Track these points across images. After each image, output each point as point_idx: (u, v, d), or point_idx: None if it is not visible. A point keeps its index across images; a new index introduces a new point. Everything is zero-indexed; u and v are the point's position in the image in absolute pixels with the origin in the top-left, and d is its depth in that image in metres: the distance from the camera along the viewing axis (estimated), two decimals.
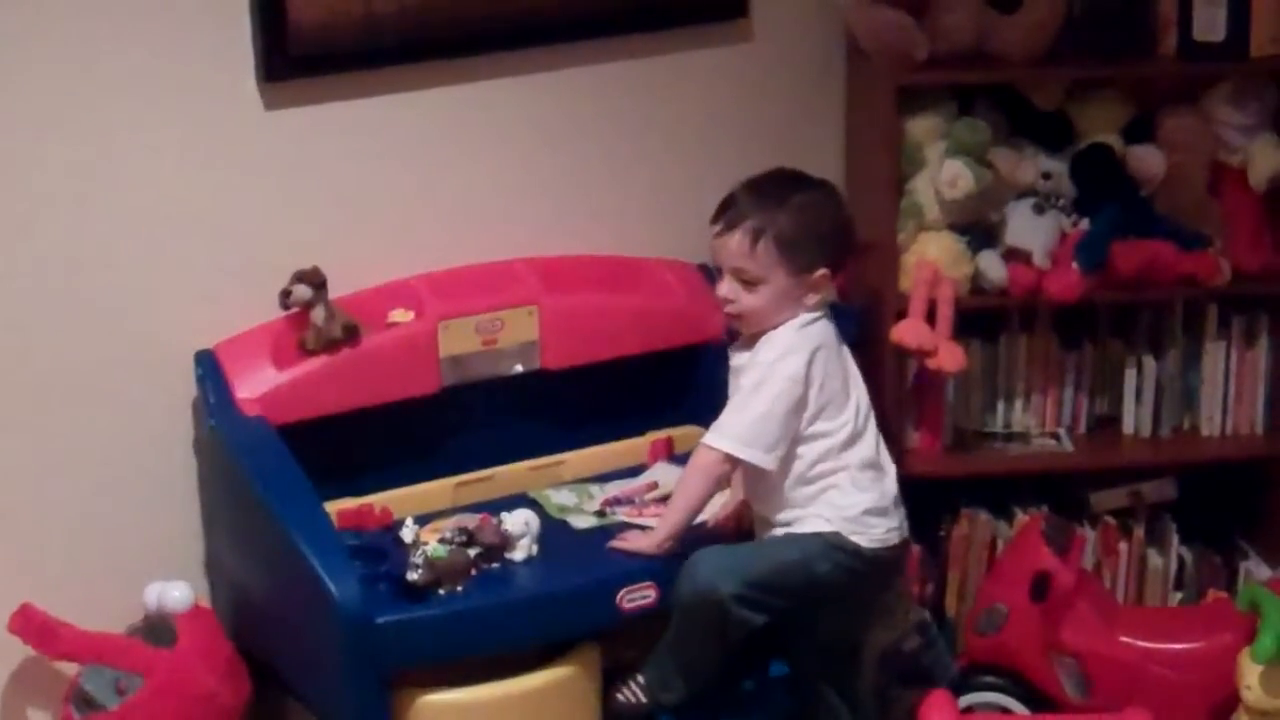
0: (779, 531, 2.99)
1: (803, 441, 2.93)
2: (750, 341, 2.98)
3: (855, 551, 2.94)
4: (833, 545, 2.93)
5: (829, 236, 2.96)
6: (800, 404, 2.91)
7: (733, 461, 2.92)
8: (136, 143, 3.05)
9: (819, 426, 2.94)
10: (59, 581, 3.08)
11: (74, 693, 3.00)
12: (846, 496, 2.95)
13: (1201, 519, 3.72)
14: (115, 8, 2.98)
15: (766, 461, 2.90)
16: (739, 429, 2.91)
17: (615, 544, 3.03)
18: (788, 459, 2.93)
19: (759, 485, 2.99)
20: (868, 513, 2.95)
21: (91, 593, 3.10)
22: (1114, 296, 3.56)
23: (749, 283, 2.93)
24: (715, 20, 3.54)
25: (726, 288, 2.96)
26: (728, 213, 2.96)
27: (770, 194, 2.95)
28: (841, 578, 2.95)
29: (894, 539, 3.00)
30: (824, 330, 2.97)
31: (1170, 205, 3.59)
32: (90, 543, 3.15)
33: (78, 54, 2.97)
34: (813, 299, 2.95)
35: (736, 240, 2.93)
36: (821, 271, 2.94)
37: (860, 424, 2.98)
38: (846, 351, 3.03)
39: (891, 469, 3.04)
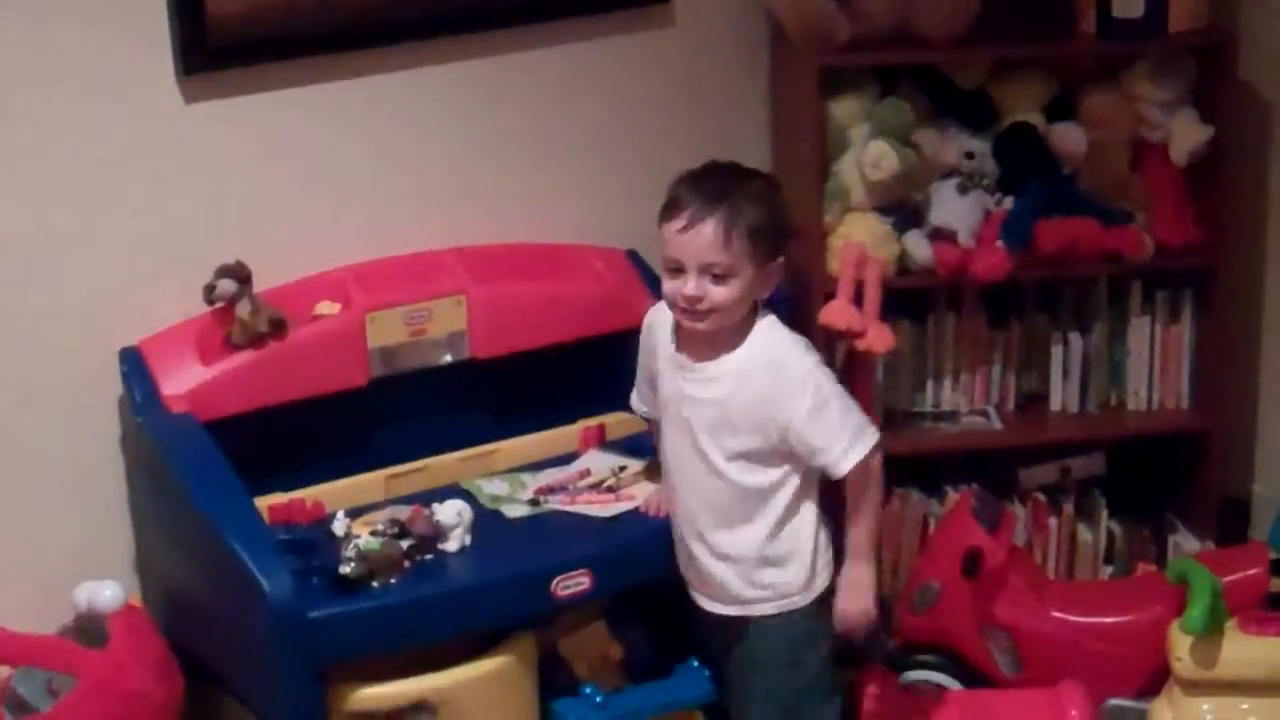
0: (754, 594, 2.89)
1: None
2: (711, 347, 2.82)
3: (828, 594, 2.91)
4: (811, 617, 2.90)
5: (784, 225, 2.85)
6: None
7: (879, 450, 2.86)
8: (55, 139, 3.02)
9: None
10: None
11: (6, 695, 2.97)
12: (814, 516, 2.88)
13: (1130, 493, 3.76)
14: (29, 1, 2.95)
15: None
16: (856, 426, 2.83)
17: (845, 627, 2.94)
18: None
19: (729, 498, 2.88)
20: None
21: (21, 594, 3.08)
22: (1039, 274, 3.59)
23: (719, 277, 2.74)
24: (637, 5, 3.54)
25: (694, 285, 2.74)
26: (688, 208, 2.74)
27: (726, 185, 2.77)
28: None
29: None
30: None
31: (1093, 182, 3.61)
32: (18, 543, 3.13)
33: None
34: (766, 292, 2.84)
35: (710, 232, 2.72)
36: (779, 260, 2.83)
37: None
38: None
39: None
